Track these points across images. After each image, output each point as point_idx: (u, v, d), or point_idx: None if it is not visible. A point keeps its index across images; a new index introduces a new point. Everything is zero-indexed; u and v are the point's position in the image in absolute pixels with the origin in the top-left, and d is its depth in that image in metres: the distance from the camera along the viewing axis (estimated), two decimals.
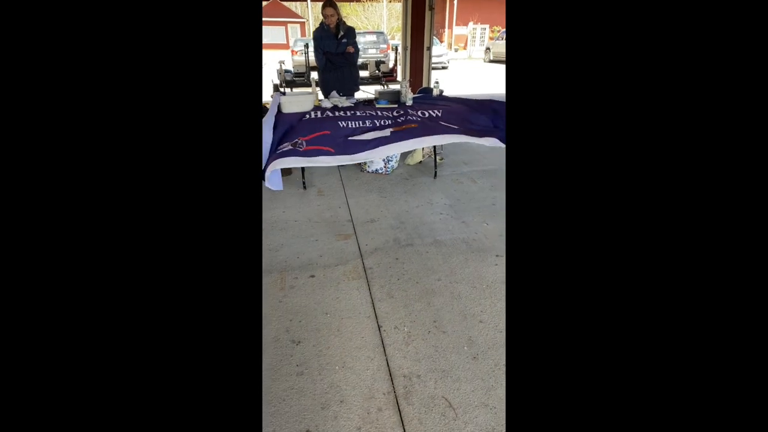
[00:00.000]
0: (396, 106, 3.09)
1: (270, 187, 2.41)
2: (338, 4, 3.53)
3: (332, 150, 2.51)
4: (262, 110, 3.40)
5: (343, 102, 3.08)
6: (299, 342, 1.59)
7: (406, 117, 2.80)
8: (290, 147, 2.43)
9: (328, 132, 2.60)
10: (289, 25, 23.93)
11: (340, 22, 3.47)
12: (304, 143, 2.49)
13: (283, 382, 1.41)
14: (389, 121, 2.74)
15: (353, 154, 2.47)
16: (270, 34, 22.43)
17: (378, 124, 2.74)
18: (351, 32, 3.57)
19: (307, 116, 2.77)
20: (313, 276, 2.02)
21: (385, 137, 2.57)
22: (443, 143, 2.72)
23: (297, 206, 2.82)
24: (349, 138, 2.62)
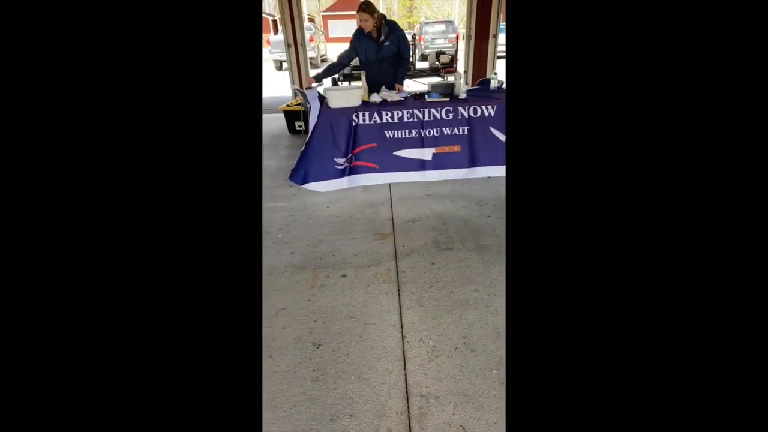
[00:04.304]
0: (448, 99, 2.93)
1: (315, 188, 2.75)
2: None
3: (376, 166, 2.95)
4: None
5: (393, 96, 2.98)
6: (320, 345, 1.56)
7: (456, 117, 2.85)
8: (346, 165, 2.91)
9: (375, 145, 2.83)
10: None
11: (382, 24, 3.01)
12: (353, 158, 2.90)
13: (298, 386, 1.39)
14: (435, 130, 2.90)
15: (395, 172, 2.97)
16: (339, 27, 22.92)
17: (424, 135, 2.94)
18: (394, 28, 3.07)
19: (355, 119, 2.83)
20: (344, 276, 1.98)
21: (427, 161, 2.96)
22: (481, 176, 3.07)
23: (341, 201, 2.81)
24: (394, 153, 2.94)
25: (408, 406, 1.30)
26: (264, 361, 1.49)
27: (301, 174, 2.93)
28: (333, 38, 21.48)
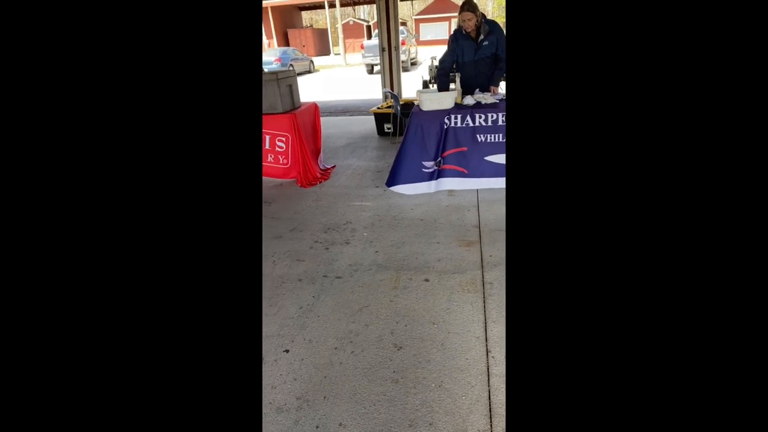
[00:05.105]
0: None
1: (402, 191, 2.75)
2: None
3: (465, 171, 2.90)
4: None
5: (487, 98, 2.87)
6: (401, 347, 1.56)
7: None
8: (435, 168, 2.91)
9: (465, 149, 2.87)
10: (452, 19, 24.06)
11: (482, 23, 2.91)
12: (442, 161, 2.89)
13: (378, 385, 1.40)
14: None
15: (484, 177, 2.88)
16: (431, 30, 22.94)
17: None
18: (494, 28, 2.95)
19: (447, 122, 2.81)
20: (427, 280, 1.95)
21: None
22: None
23: (426, 204, 2.79)
24: (485, 158, 2.85)
25: (491, 426, 1.23)
26: (347, 355, 1.53)
27: (392, 177, 3.00)
28: (424, 41, 21.59)
